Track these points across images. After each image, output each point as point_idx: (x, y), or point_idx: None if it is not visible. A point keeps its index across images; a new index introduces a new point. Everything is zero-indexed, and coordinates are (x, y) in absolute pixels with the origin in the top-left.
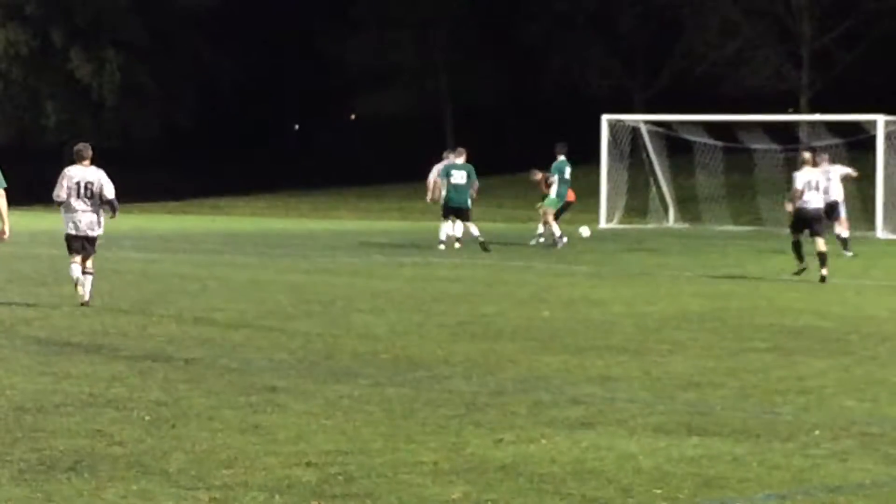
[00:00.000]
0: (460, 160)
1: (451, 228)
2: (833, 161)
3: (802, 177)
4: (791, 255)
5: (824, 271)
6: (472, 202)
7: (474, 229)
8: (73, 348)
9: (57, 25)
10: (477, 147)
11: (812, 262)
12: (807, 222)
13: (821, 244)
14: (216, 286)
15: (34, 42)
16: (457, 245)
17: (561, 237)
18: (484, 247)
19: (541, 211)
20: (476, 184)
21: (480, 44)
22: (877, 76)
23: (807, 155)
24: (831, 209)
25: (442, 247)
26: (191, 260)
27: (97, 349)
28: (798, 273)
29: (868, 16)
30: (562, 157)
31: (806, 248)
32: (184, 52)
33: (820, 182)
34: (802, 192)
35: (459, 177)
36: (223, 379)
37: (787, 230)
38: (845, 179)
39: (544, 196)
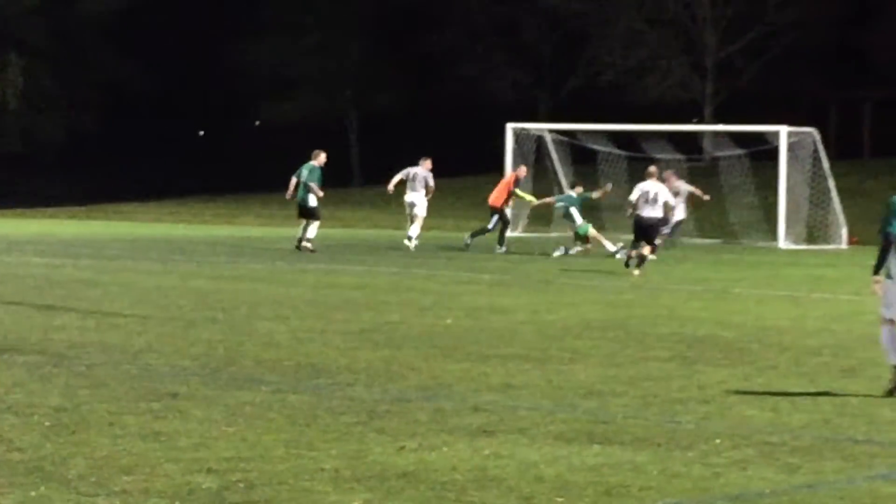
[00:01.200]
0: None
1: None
2: (701, 175)
3: (641, 187)
4: (692, 265)
5: (636, 272)
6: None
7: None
8: None
9: None
10: (383, 154)
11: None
12: (643, 231)
13: (646, 250)
14: (119, 292)
15: None
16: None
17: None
18: (298, 246)
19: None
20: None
21: (386, 51)
22: (780, 87)
23: (652, 168)
24: (664, 223)
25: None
26: (94, 265)
27: None
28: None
29: (771, 28)
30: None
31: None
32: (88, 57)
33: (659, 194)
34: (638, 204)
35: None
36: (125, 385)
37: (689, 240)
38: (689, 199)
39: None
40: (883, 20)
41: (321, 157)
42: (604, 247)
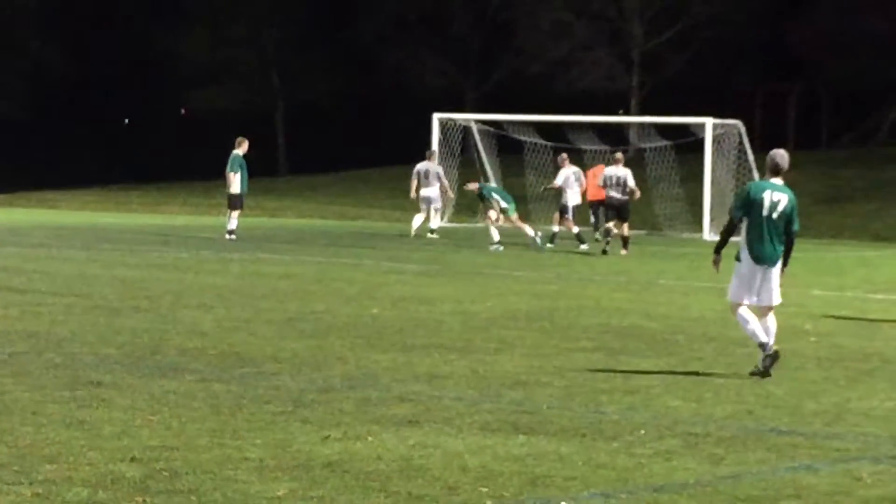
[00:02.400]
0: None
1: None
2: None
3: (609, 172)
4: (617, 256)
5: (624, 252)
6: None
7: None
8: None
9: None
10: (310, 144)
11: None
12: (616, 210)
13: (624, 229)
14: (42, 279)
15: None
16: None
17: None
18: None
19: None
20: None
21: (313, 41)
22: (705, 79)
23: (619, 155)
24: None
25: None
26: (18, 253)
27: None
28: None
29: (697, 20)
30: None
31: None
32: (12, 42)
33: (626, 179)
34: (606, 187)
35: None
36: (48, 373)
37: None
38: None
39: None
40: (806, 12)
41: (244, 146)
42: (525, 233)
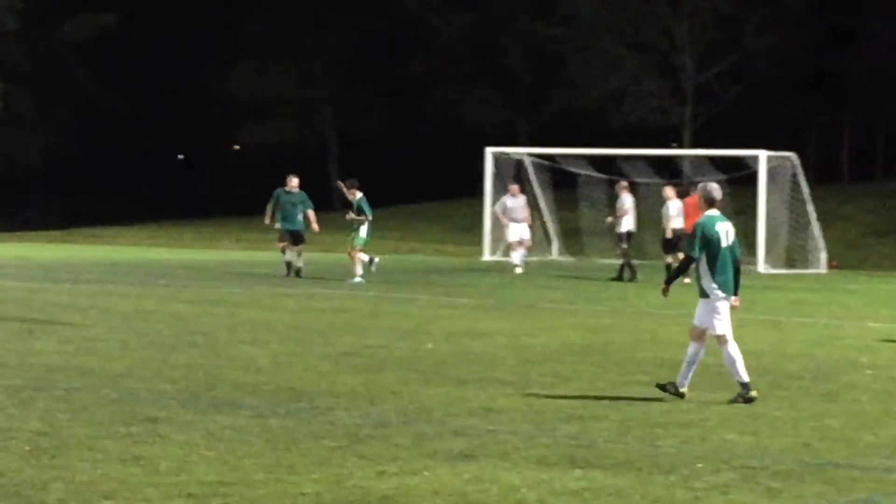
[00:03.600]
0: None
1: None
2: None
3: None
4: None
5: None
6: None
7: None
8: None
9: None
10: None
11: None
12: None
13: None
14: (98, 316)
15: None
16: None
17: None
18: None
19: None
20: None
21: (364, 75)
22: (759, 112)
23: (669, 190)
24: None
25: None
26: (72, 289)
27: None
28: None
29: (749, 52)
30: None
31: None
32: (67, 81)
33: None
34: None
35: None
36: (104, 409)
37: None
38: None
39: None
40: (860, 45)
41: (290, 182)
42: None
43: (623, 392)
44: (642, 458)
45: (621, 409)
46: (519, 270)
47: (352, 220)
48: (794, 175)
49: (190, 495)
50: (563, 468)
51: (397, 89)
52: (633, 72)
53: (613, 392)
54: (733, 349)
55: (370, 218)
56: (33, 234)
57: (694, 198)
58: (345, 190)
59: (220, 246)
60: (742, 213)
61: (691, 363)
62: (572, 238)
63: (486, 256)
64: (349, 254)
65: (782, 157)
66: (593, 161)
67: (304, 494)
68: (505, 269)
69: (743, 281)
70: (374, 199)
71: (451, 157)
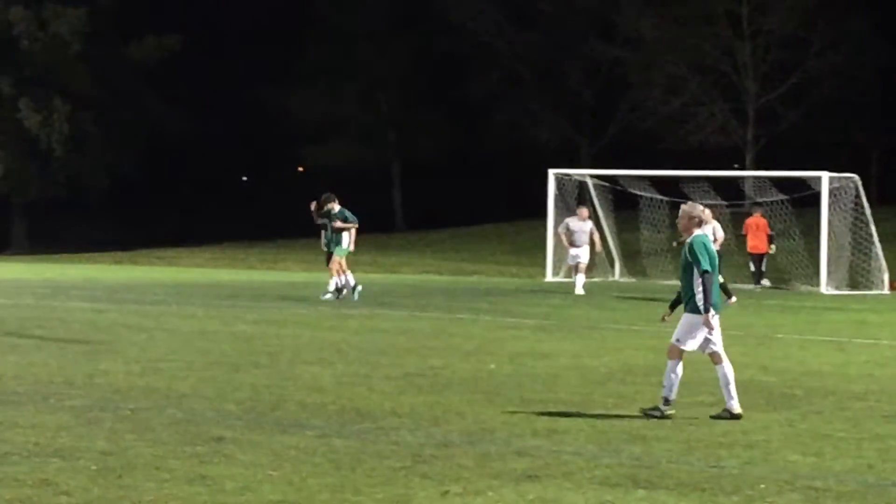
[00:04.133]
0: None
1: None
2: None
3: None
4: (734, 310)
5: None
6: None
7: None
8: (20, 397)
9: (6, 75)
10: (425, 200)
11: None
12: None
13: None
14: (163, 336)
15: None
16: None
17: (355, 287)
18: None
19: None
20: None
21: (427, 98)
22: (821, 133)
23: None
24: None
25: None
26: (138, 310)
27: (43, 398)
28: None
29: (811, 74)
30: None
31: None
32: (132, 104)
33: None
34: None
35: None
36: (170, 429)
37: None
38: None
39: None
40: None
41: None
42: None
43: (686, 413)
44: (706, 479)
45: (684, 430)
46: (580, 292)
47: (339, 229)
48: (857, 196)
49: None
50: (626, 489)
51: (460, 111)
52: (696, 93)
53: (676, 412)
54: (680, 368)
55: (357, 225)
56: (99, 255)
57: (755, 218)
58: (314, 214)
59: (283, 267)
60: (805, 233)
61: (727, 383)
62: (634, 259)
63: (549, 277)
64: (329, 267)
65: (845, 178)
66: (656, 183)
67: None
68: (568, 290)
69: (807, 302)
70: (436, 222)
71: (514, 178)
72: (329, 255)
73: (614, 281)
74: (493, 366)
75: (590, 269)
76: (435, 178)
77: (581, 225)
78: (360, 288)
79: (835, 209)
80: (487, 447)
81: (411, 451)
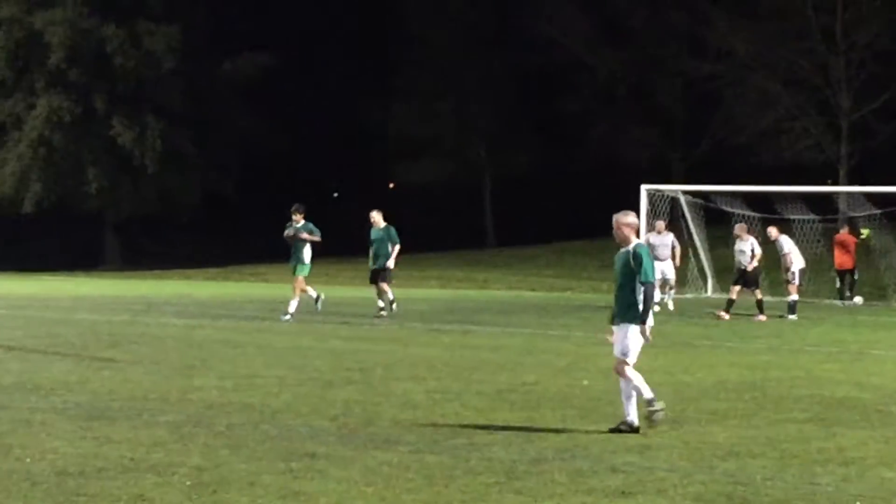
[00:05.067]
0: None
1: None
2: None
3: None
4: (829, 326)
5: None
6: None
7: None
8: (115, 413)
9: (99, 92)
10: (517, 216)
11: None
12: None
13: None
14: (256, 352)
15: (77, 109)
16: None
17: (318, 297)
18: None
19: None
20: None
21: (519, 114)
22: None
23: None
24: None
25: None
26: (231, 326)
27: (138, 414)
28: None
29: None
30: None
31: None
32: (224, 120)
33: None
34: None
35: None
36: (263, 445)
37: (828, 300)
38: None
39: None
40: None
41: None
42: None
43: (780, 429)
44: (801, 496)
45: (778, 447)
46: (657, 308)
47: (300, 238)
48: None
49: None
50: None
51: (552, 128)
52: (788, 108)
53: (770, 429)
54: (631, 371)
55: (319, 239)
56: (192, 271)
57: (843, 234)
58: (290, 236)
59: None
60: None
61: (635, 390)
62: (727, 276)
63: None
64: (293, 286)
65: None
66: (747, 198)
67: None
68: (659, 306)
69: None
70: (528, 238)
71: (606, 194)
72: (374, 272)
73: (707, 297)
74: (586, 382)
75: (681, 283)
76: (526, 193)
77: (661, 238)
78: (322, 297)
79: None
80: (581, 463)
81: (504, 467)
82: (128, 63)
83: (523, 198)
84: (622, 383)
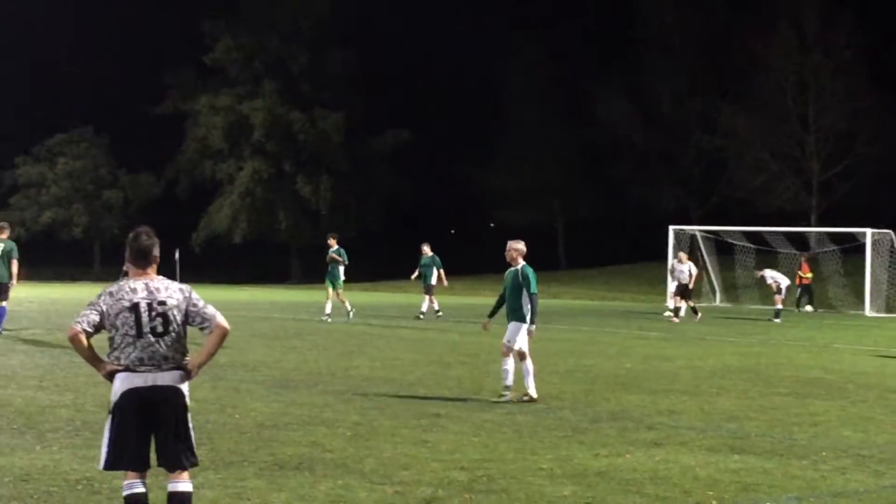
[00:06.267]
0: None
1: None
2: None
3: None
4: (803, 327)
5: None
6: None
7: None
8: (297, 383)
9: (287, 158)
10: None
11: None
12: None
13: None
14: (397, 342)
15: (271, 170)
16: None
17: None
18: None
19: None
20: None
21: (581, 173)
22: (867, 201)
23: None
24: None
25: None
26: (380, 323)
27: (314, 384)
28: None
29: (860, 157)
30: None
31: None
32: (374, 177)
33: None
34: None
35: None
36: (402, 407)
37: (799, 309)
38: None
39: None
40: None
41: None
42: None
43: (768, 400)
44: (783, 448)
45: (767, 412)
46: (669, 315)
47: (331, 259)
48: (892, 245)
49: (462, 468)
50: (725, 454)
51: (605, 183)
52: (775, 172)
53: (761, 400)
54: (510, 362)
55: (347, 262)
56: (352, 284)
57: (803, 263)
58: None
59: (478, 294)
60: (853, 273)
61: (528, 374)
62: (730, 291)
63: (669, 304)
64: (338, 295)
65: (883, 233)
66: (746, 235)
67: (541, 469)
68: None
69: (855, 322)
70: (588, 262)
71: (643, 232)
72: (427, 287)
73: (716, 305)
74: (629, 365)
75: (696, 296)
76: (587, 231)
77: (681, 266)
78: (353, 311)
79: (875, 255)
80: (625, 423)
81: (571, 424)
82: (308, 138)
83: (584, 234)
84: (523, 366)
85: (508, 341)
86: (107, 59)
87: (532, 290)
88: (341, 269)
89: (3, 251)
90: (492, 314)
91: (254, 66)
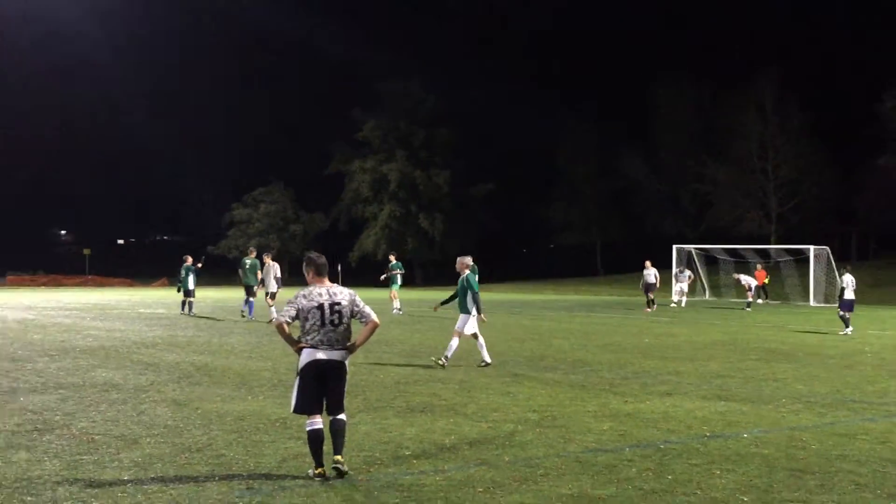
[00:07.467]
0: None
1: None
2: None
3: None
4: (767, 314)
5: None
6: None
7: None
8: (420, 353)
9: (413, 203)
10: (614, 260)
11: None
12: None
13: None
14: (488, 328)
15: (402, 210)
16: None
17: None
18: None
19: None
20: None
21: (611, 210)
22: (811, 226)
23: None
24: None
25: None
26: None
27: (432, 354)
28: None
29: (806, 197)
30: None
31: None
32: (472, 216)
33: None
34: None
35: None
36: (493, 370)
37: (759, 301)
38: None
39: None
40: (864, 183)
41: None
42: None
43: (743, 364)
44: (754, 395)
45: (743, 372)
46: (674, 306)
47: (389, 273)
48: (828, 257)
49: (534, 410)
50: (715, 401)
51: (627, 215)
52: (745, 207)
53: (738, 364)
54: (456, 342)
55: (403, 272)
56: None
57: (759, 270)
58: (387, 273)
59: (545, 292)
60: (803, 275)
61: (482, 346)
62: (716, 289)
63: (674, 298)
64: (391, 295)
65: (821, 249)
66: (727, 251)
67: (588, 411)
68: (681, 306)
69: (803, 310)
70: (617, 269)
71: (654, 250)
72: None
73: (705, 299)
74: (647, 340)
75: (691, 293)
76: (617, 249)
77: (682, 273)
78: (401, 311)
79: (817, 264)
80: (646, 379)
81: (608, 381)
82: (426, 189)
83: (615, 250)
84: (477, 342)
85: (459, 328)
86: (292, 136)
87: (475, 290)
88: (399, 277)
89: (250, 265)
90: (443, 303)
91: (389, 140)
